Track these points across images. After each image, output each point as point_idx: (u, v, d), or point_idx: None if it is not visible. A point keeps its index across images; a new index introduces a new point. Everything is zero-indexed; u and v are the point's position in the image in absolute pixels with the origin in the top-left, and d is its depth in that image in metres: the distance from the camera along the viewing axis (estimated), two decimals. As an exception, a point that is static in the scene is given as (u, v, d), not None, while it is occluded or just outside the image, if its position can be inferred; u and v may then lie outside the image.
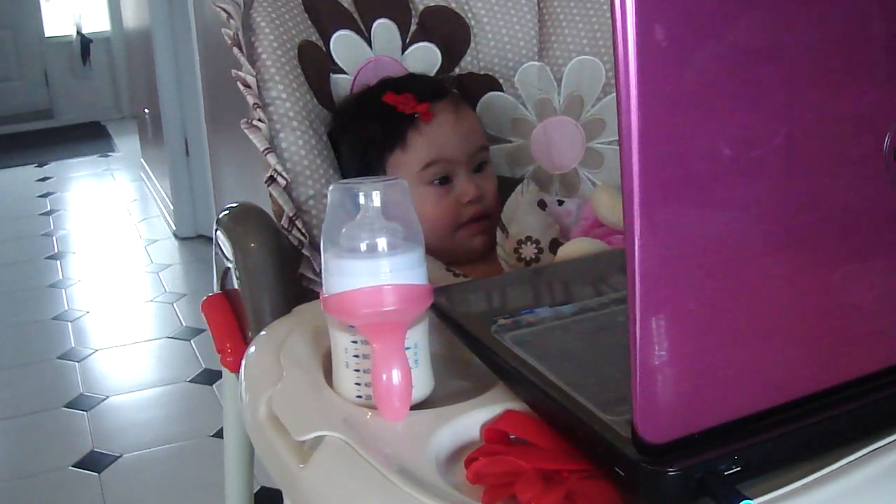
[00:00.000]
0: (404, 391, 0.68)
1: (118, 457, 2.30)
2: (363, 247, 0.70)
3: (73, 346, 2.99)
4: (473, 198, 1.09)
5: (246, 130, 0.98)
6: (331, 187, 0.73)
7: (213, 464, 2.23)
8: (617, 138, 1.21)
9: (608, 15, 1.23)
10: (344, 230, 0.71)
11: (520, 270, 0.99)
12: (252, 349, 0.82)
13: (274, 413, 0.71)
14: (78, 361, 2.86)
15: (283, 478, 0.68)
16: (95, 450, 2.34)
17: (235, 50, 1.01)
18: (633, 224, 0.51)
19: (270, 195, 0.99)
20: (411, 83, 1.14)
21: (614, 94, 1.20)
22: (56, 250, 4.05)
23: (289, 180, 0.99)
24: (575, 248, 0.94)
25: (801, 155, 0.57)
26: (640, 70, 0.50)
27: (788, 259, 0.58)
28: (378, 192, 0.71)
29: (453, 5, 1.23)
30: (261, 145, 0.98)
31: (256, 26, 1.06)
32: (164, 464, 2.28)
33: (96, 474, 2.23)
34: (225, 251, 1.00)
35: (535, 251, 1.01)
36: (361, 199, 0.71)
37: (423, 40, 1.21)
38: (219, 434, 2.38)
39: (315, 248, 0.99)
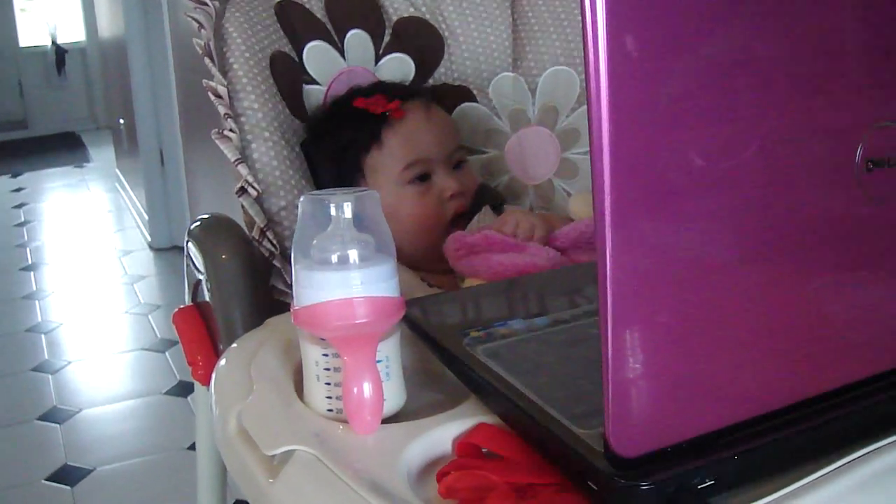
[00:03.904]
0: (376, 405, 0.67)
1: (92, 470, 2.28)
2: (334, 259, 0.70)
3: (47, 357, 2.96)
4: (455, 192, 1.08)
5: (217, 141, 0.97)
6: (301, 198, 0.72)
7: (187, 477, 2.21)
8: (592, 149, 1.20)
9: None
10: (315, 242, 0.70)
11: (493, 283, 0.98)
12: (222, 362, 0.81)
13: (244, 427, 0.70)
14: (51, 373, 2.84)
15: (253, 493, 0.67)
16: (69, 463, 2.32)
17: (207, 60, 1.00)
18: (605, 236, 0.51)
19: (242, 206, 0.98)
20: (380, 87, 1.14)
21: (589, 105, 1.21)
22: (30, 261, 4.02)
23: (260, 191, 0.98)
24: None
25: (774, 167, 0.57)
26: (612, 81, 0.50)
27: (762, 271, 0.58)
28: (349, 204, 0.70)
29: (427, 16, 1.23)
30: (232, 156, 0.97)
31: (228, 36, 1.05)
32: (139, 477, 2.26)
33: (69, 488, 2.21)
34: (196, 263, 0.99)
35: None
36: (333, 211, 0.70)
37: (396, 51, 1.21)
38: (194, 447, 2.35)
39: (286, 259, 0.98)
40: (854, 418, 0.60)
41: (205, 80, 1.00)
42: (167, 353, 2.93)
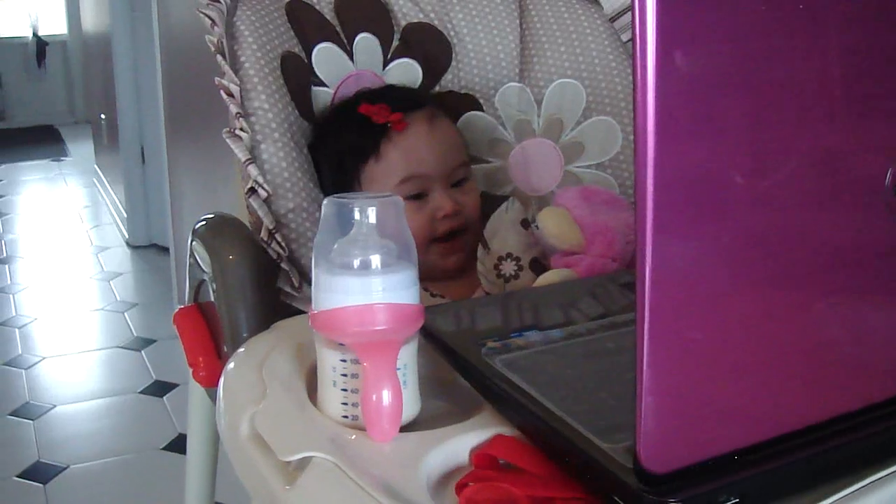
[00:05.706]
0: (395, 412, 0.66)
1: (65, 468, 2.26)
2: (356, 263, 0.69)
3: (21, 353, 2.93)
4: (449, 212, 1.07)
5: (228, 140, 0.96)
6: (325, 201, 0.71)
7: (162, 477, 2.20)
8: (595, 162, 1.21)
9: (590, 39, 1.23)
10: (336, 246, 0.70)
11: (504, 293, 0.98)
12: (231, 365, 0.80)
13: (257, 432, 0.69)
14: (25, 369, 2.81)
15: (266, 498, 0.66)
16: (41, 460, 2.29)
17: (219, 57, 0.99)
18: (645, 252, 0.51)
19: (249, 207, 0.97)
20: (387, 94, 1.13)
21: (595, 119, 1.21)
22: (4, 255, 3.98)
23: (270, 192, 0.97)
24: (548, 279, 0.94)
25: (807, 189, 0.57)
26: (658, 95, 0.49)
27: (792, 292, 0.58)
28: (373, 209, 0.70)
29: (436, 23, 1.22)
30: (242, 156, 0.96)
31: (240, 35, 1.04)
32: (113, 476, 2.24)
33: (41, 485, 2.18)
34: (201, 263, 0.98)
35: (515, 268, 1.00)
36: (356, 215, 0.70)
37: (404, 56, 1.20)
38: (169, 447, 2.34)
39: (293, 262, 0.98)
40: (881, 437, 0.61)
41: (217, 78, 0.99)
42: (143, 352, 2.91)
